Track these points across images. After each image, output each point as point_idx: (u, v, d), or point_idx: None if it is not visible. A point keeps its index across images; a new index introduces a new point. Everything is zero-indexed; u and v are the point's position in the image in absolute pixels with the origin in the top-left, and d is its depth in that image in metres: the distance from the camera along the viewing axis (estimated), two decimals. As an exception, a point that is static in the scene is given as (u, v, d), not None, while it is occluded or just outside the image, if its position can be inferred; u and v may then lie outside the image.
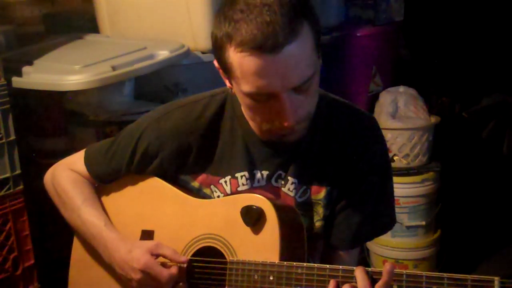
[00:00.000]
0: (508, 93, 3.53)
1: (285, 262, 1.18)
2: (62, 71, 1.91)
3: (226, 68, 1.14)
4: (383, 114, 2.72)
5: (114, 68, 1.91)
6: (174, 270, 1.26)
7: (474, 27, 3.49)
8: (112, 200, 1.43)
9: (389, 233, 2.66)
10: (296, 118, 1.14)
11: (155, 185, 1.38)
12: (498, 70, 3.47)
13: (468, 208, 3.19)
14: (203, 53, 2.24)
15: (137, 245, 1.30)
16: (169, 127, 1.33)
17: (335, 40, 2.79)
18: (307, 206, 1.31)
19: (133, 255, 1.28)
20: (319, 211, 1.31)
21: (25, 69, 1.95)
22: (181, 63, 2.17)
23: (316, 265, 1.17)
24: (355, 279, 1.11)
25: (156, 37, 2.21)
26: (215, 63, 1.21)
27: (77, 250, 1.47)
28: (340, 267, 1.15)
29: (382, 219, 1.36)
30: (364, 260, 2.80)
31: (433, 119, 2.76)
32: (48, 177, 1.48)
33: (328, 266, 1.15)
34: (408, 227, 2.68)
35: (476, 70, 3.50)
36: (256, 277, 1.20)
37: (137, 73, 2.01)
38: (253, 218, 1.22)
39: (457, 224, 3.05)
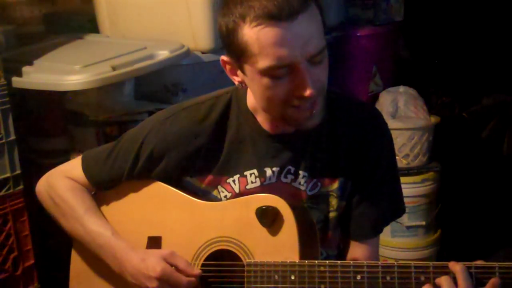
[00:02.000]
0: (508, 93, 3.53)
1: (306, 261, 1.18)
2: (62, 71, 1.91)
3: (240, 51, 1.13)
4: (383, 114, 2.71)
5: (114, 68, 1.91)
6: (192, 278, 1.25)
7: (474, 27, 3.49)
8: (113, 208, 1.40)
9: (389, 233, 2.70)
10: (316, 88, 1.13)
11: (159, 190, 1.35)
12: (498, 70, 3.47)
13: (468, 208, 3.19)
14: (203, 53, 2.24)
15: (150, 253, 1.28)
16: (175, 130, 1.32)
17: (335, 40, 2.79)
18: (319, 199, 1.30)
19: (148, 263, 1.25)
20: (333, 202, 1.31)
21: (25, 69, 1.94)
22: (181, 63, 2.17)
23: (339, 262, 1.16)
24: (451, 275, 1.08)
25: (156, 37, 2.21)
26: (223, 58, 1.21)
27: (77, 262, 1.44)
28: (365, 262, 1.15)
29: (396, 205, 1.37)
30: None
31: (433, 119, 2.76)
32: (41, 187, 1.44)
33: (351, 262, 1.16)
34: (408, 227, 2.67)
35: (476, 70, 3.50)
36: (276, 277, 1.19)
37: (137, 73, 2.01)
38: (269, 218, 1.20)
39: (457, 224, 3.05)
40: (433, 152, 2.75)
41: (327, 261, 1.17)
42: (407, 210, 2.58)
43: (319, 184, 1.30)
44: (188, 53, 2.15)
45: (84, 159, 1.42)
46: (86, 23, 2.56)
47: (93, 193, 1.43)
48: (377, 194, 1.32)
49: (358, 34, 2.90)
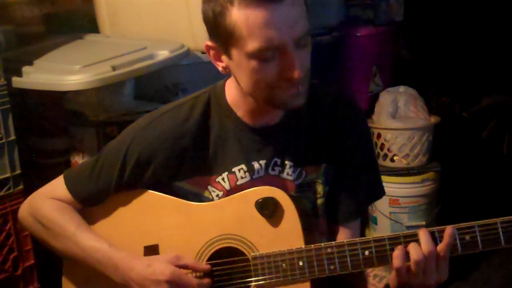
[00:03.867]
0: (508, 93, 3.53)
1: (312, 246, 1.20)
2: (62, 71, 1.91)
3: (228, 34, 1.14)
4: (383, 114, 2.72)
5: (114, 68, 1.91)
6: (204, 278, 1.26)
7: (474, 27, 3.49)
8: (103, 224, 1.37)
9: (389, 233, 2.69)
10: (303, 70, 1.15)
11: (150, 198, 1.34)
12: (498, 70, 3.47)
13: (468, 208, 3.19)
14: (203, 53, 2.23)
15: (154, 259, 1.28)
16: (158, 134, 1.31)
17: (335, 40, 2.79)
18: (306, 187, 1.32)
19: (155, 268, 1.24)
20: (319, 188, 1.33)
21: (25, 69, 1.94)
22: (181, 63, 2.17)
23: (345, 241, 1.19)
24: (418, 241, 1.16)
25: (156, 37, 2.21)
26: (207, 43, 1.22)
27: (68, 283, 1.40)
28: (371, 238, 1.18)
29: (376, 187, 1.41)
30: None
31: (433, 119, 2.76)
32: (24, 212, 1.41)
33: (357, 240, 1.19)
34: (408, 227, 2.67)
35: (476, 70, 3.51)
36: (284, 266, 1.21)
37: (137, 73, 2.01)
38: (270, 209, 1.23)
39: (457, 224, 3.05)
40: (433, 152, 2.76)
41: (333, 242, 1.20)
42: (407, 210, 2.64)
43: (303, 172, 1.32)
44: (188, 53, 2.15)
45: (66, 178, 1.39)
46: (86, 23, 2.55)
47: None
48: (357, 178, 1.35)
49: (358, 34, 2.90)
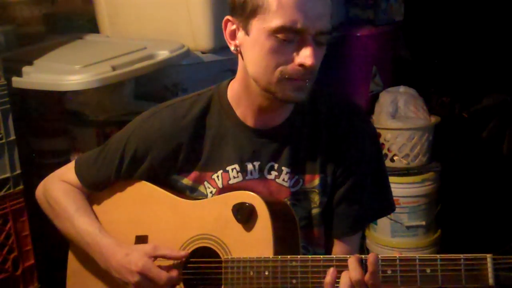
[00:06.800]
0: (509, 93, 3.53)
1: (279, 257, 1.19)
2: (62, 71, 1.91)
3: (255, 6, 1.14)
4: (383, 114, 2.72)
5: (114, 68, 1.91)
6: (172, 272, 1.27)
7: (474, 27, 3.49)
8: (103, 208, 1.43)
9: (389, 233, 2.70)
10: (315, 62, 1.15)
11: (145, 189, 1.38)
12: (498, 70, 3.47)
13: (468, 208, 3.19)
14: (203, 53, 2.24)
15: (134, 248, 1.31)
16: (156, 127, 1.34)
17: (335, 40, 2.79)
18: (302, 196, 1.31)
19: (131, 258, 1.28)
20: (315, 198, 1.32)
21: (25, 69, 1.94)
22: (181, 63, 2.17)
23: (310, 256, 1.18)
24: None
25: (156, 37, 2.21)
26: (228, 17, 1.22)
27: (73, 261, 1.47)
28: (334, 256, 1.16)
29: (381, 203, 1.38)
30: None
31: (433, 119, 2.76)
32: (39, 191, 1.48)
33: (322, 256, 1.17)
34: (408, 227, 2.67)
35: (476, 70, 3.50)
36: (251, 273, 1.21)
37: (137, 73, 2.01)
38: (244, 215, 1.22)
39: (457, 224, 3.05)
40: (433, 152, 2.75)
41: (298, 256, 1.18)
42: (407, 210, 2.64)
43: (300, 180, 1.31)
44: (188, 53, 2.15)
45: (77, 162, 1.46)
46: (86, 23, 2.56)
47: (88, 194, 1.45)
48: (358, 192, 1.32)
49: (358, 34, 2.90)
